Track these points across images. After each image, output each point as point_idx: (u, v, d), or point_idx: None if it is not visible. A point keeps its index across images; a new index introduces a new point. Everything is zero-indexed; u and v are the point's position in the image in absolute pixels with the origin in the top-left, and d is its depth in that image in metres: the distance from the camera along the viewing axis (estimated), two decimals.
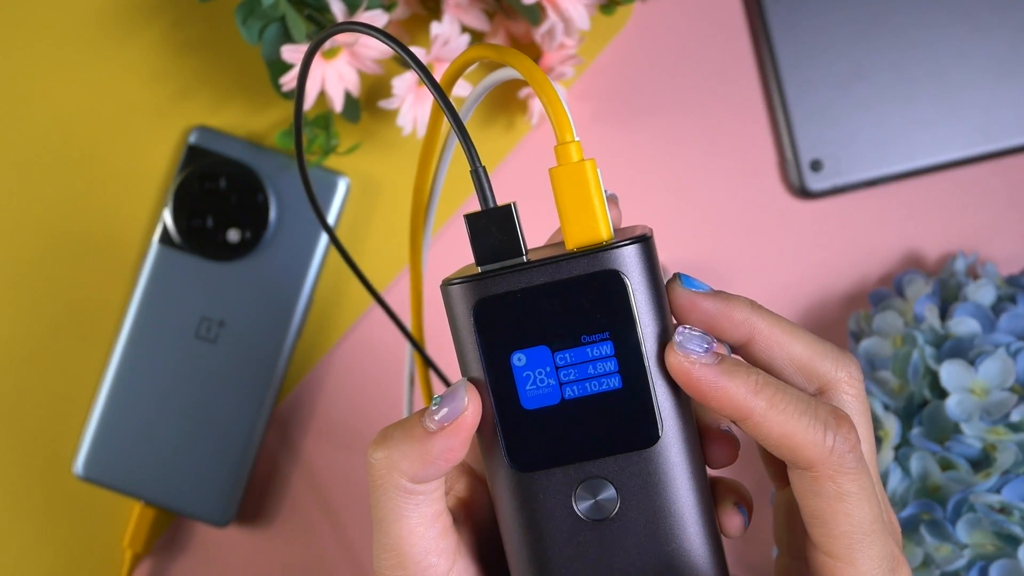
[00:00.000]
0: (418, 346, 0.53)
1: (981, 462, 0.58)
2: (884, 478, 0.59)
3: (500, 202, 0.37)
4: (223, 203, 0.65)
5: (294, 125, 0.42)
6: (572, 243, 0.36)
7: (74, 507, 0.66)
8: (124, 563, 0.65)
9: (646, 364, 0.36)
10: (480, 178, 0.37)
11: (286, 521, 0.67)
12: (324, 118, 0.64)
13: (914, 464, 0.59)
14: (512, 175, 0.68)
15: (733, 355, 0.38)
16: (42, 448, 0.66)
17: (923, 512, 0.58)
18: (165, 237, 0.65)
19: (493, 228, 0.37)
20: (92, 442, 0.65)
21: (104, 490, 0.66)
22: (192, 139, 0.66)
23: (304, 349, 0.67)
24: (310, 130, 0.64)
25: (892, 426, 0.59)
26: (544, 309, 0.36)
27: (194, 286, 0.65)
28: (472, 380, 0.37)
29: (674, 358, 0.36)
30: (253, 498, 0.66)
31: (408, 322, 0.61)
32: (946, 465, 0.59)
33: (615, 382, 0.36)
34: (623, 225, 0.40)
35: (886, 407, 0.61)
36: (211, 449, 0.65)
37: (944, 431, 0.59)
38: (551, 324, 0.36)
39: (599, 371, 0.36)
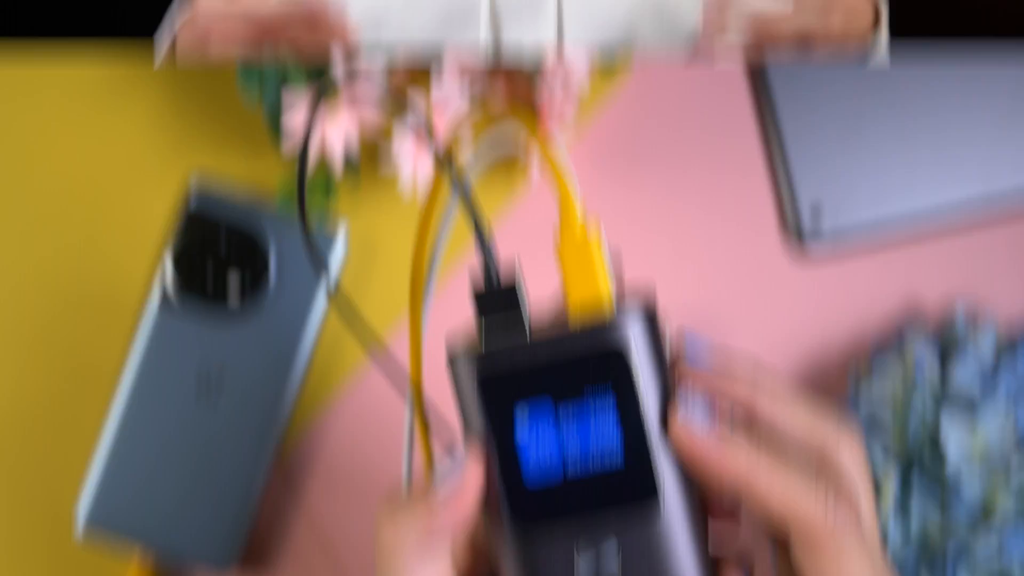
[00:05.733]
0: (419, 411, 0.53)
1: (981, 515, 0.58)
2: (883, 532, 0.59)
3: (500, 257, 0.38)
4: (222, 263, 0.65)
5: (297, 198, 0.43)
6: (575, 319, 0.37)
7: (76, 565, 0.66)
8: None
9: (649, 443, 0.37)
10: (488, 257, 0.38)
11: (287, 570, 0.67)
12: (324, 178, 0.64)
13: (913, 517, 0.59)
14: (510, 221, 0.68)
15: (735, 430, 0.38)
16: (44, 504, 0.66)
17: (922, 565, 0.58)
18: (164, 296, 0.65)
19: (499, 307, 0.37)
20: (95, 495, 0.64)
21: (106, 547, 0.65)
22: (192, 193, 0.65)
23: (305, 403, 0.67)
24: (309, 193, 0.65)
25: (891, 479, 0.59)
26: (549, 388, 0.37)
27: (194, 345, 0.65)
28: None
29: (677, 433, 0.36)
30: (255, 548, 0.66)
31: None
32: (945, 518, 0.59)
33: (618, 462, 0.37)
34: (627, 276, 0.41)
35: (885, 461, 0.61)
36: (212, 503, 0.64)
37: (944, 485, 0.59)
38: (555, 403, 0.37)
39: (602, 449, 0.37)
